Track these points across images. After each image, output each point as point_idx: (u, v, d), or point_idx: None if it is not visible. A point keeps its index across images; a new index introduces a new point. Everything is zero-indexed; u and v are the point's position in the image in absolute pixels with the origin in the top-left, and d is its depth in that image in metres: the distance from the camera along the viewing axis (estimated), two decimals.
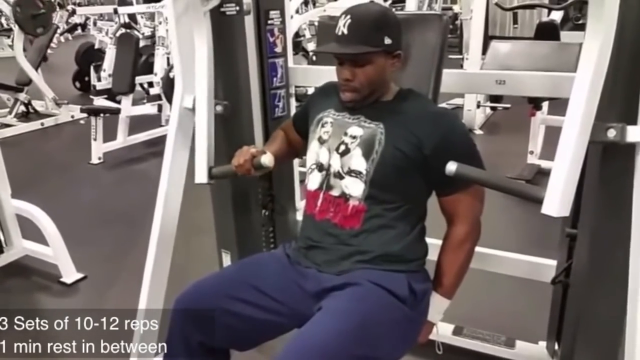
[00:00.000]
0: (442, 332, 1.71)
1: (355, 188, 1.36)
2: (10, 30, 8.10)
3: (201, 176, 1.70)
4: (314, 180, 1.44)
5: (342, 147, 1.40)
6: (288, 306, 1.38)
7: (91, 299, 2.56)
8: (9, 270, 2.76)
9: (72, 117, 5.94)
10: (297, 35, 6.11)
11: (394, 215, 1.37)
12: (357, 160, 1.37)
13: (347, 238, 1.37)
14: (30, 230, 2.79)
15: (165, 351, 1.41)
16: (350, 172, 1.37)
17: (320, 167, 1.43)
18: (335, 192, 1.39)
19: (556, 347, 1.81)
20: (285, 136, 1.68)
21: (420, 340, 1.42)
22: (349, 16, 1.34)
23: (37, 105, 6.19)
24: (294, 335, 1.22)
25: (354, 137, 1.39)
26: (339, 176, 1.39)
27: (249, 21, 1.85)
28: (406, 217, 1.39)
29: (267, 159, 1.47)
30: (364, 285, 1.30)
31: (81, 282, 2.70)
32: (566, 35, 4.10)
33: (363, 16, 1.34)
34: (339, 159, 1.39)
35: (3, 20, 10.27)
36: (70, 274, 2.71)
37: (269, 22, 1.92)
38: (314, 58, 5.98)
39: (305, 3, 7.23)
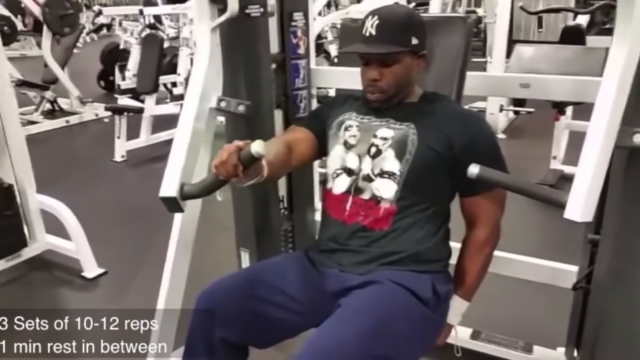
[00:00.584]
0: (460, 335, 1.69)
1: (387, 190, 1.36)
2: (38, 30, 8.25)
3: (167, 190, 1.42)
4: (341, 184, 1.43)
5: (373, 150, 1.39)
6: (307, 306, 1.38)
7: (111, 294, 2.60)
8: (32, 263, 2.81)
9: (97, 115, 6.04)
10: (319, 37, 6.13)
11: (421, 216, 1.37)
12: (390, 162, 1.37)
13: (374, 240, 1.37)
14: (54, 225, 2.84)
15: (186, 345, 1.43)
16: (383, 174, 1.37)
17: (349, 171, 1.42)
18: (365, 196, 1.39)
19: (575, 353, 1.78)
20: (286, 140, 1.49)
21: (438, 343, 1.42)
22: (376, 17, 1.35)
23: (63, 103, 6.30)
24: (313, 334, 1.22)
25: (385, 139, 1.39)
26: (369, 179, 1.38)
27: (273, 23, 1.86)
28: (433, 219, 1.39)
29: (257, 146, 1.15)
30: (386, 284, 1.30)
31: (102, 277, 2.74)
32: (592, 40, 4.06)
33: (390, 17, 1.35)
34: (370, 162, 1.39)
35: (32, 20, 10.47)
36: (91, 269, 2.75)
37: (292, 23, 1.93)
38: (336, 60, 6.01)
39: (328, 5, 7.24)
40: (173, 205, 1.43)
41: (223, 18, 1.62)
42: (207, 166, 1.58)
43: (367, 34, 1.35)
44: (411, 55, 1.37)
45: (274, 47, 1.89)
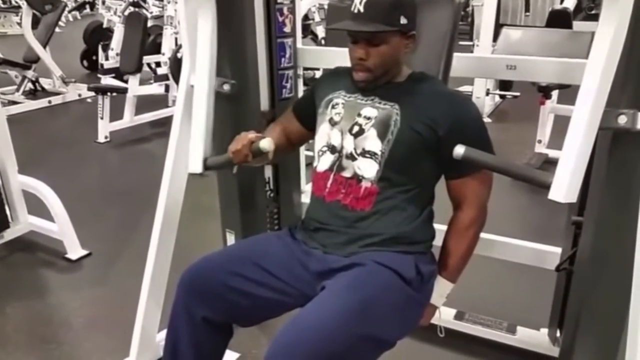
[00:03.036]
0: (444, 316, 1.71)
1: (368, 169, 1.36)
2: (19, 7, 8.08)
3: (195, 166, 1.65)
4: (325, 162, 1.43)
5: (356, 128, 1.39)
6: (291, 285, 1.38)
7: (95, 275, 2.58)
8: (14, 245, 2.78)
9: (80, 95, 5.95)
10: (306, 17, 6.07)
11: (404, 197, 1.37)
12: (372, 142, 1.36)
13: (357, 220, 1.36)
14: (36, 206, 2.80)
15: (170, 325, 1.42)
16: (365, 153, 1.36)
17: (332, 148, 1.42)
18: (347, 174, 1.38)
19: (558, 334, 1.81)
20: (283, 129, 1.63)
21: (422, 323, 1.42)
22: None
23: (45, 83, 6.20)
24: (296, 314, 1.22)
25: (368, 118, 1.38)
26: (352, 157, 1.38)
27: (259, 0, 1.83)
28: (416, 200, 1.39)
29: (266, 143, 1.41)
30: (370, 266, 1.29)
31: (86, 258, 2.72)
32: (578, 25, 4.06)
33: None
34: (352, 140, 1.38)
35: None
36: (75, 250, 2.73)
37: (279, 0, 1.90)
38: (323, 42, 5.96)
39: None
40: (198, 174, 1.68)
41: None
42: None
43: (356, 11, 1.33)
44: (400, 35, 1.35)
45: (260, 25, 1.86)
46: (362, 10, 1.32)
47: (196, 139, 1.67)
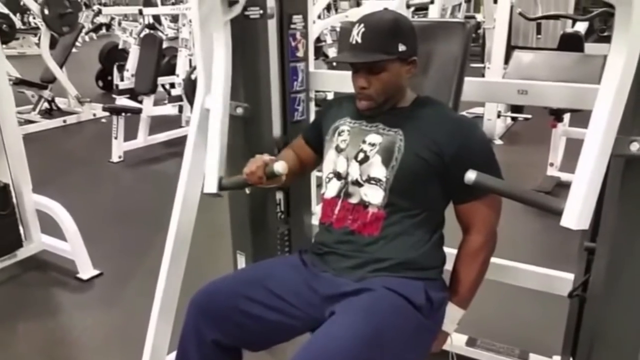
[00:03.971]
0: (456, 342, 1.69)
1: (374, 196, 1.36)
2: (38, 28, 8.24)
3: (211, 186, 1.66)
4: (332, 189, 1.44)
5: (361, 155, 1.39)
6: (301, 309, 1.38)
7: (106, 296, 2.59)
8: (27, 264, 2.80)
9: (94, 115, 6.03)
10: (318, 40, 6.13)
11: (412, 222, 1.37)
12: (377, 168, 1.36)
13: (365, 245, 1.36)
14: (50, 226, 2.83)
15: (179, 347, 1.42)
16: (370, 180, 1.37)
17: (338, 175, 1.43)
18: (353, 200, 1.39)
19: None
20: (295, 154, 1.65)
21: (434, 350, 1.41)
22: (362, 25, 1.34)
23: (61, 102, 6.30)
24: (307, 340, 1.22)
25: (373, 145, 1.39)
26: (358, 184, 1.38)
27: (272, 25, 1.86)
28: (425, 225, 1.39)
29: (280, 166, 1.43)
30: (380, 292, 1.29)
31: (97, 278, 2.73)
32: (590, 47, 4.06)
33: (377, 24, 1.34)
34: (357, 167, 1.39)
35: (31, 19, 10.46)
36: (86, 270, 2.74)
37: (292, 26, 1.93)
38: (334, 64, 6.00)
39: (328, 9, 7.27)
40: (213, 195, 1.68)
41: (237, 11, 1.67)
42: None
43: (354, 42, 1.35)
44: (399, 62, 1.36)
45: (273, 49, 1.89)
46: (359, 41, 1.33)
47: (212, 160, 1.68)
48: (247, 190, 1.69)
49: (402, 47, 1.34)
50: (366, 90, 1.38)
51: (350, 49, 1.36)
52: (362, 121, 1.45)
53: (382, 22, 1.34)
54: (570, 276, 1.78)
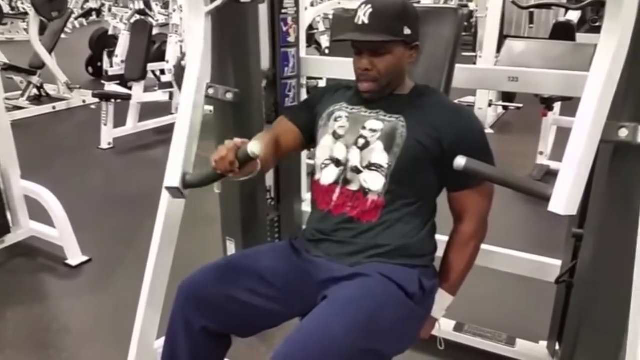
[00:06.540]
0: (444, 328, 1.70)
1: (375, 182, 1.36)
2: (26, 14, 8.14)
3: (172, 180, 1.49)
4: (329, 175, 1.42)
5: (362, 141, 1.39)
6: (290, 295, 1.38)
7: (95, 282, 2.58)
8: (15, 250, 2.78)
9: (84, 101, 5.98)
10: (310, 27, 6.09)
11: (409, 210, 1.37)
12: (378, 154, 1.36)
13: (363, 231, 1.36)
14: (38, 212, 2.81)
15: (168, 334, 1.41)
16: (371, 166, 1.36)
17: (336, 162, 1.41)
18: (353, 187, 1.38)
19: (557, 347, 1.80)
20: (275, 138, 1.51)
21: (422, 336, 1.42)
22: (369, 6, 1.34)
23: (50, 89, 6.22)
24: (298, 324, 1.22)
25: (374, 131, 1.38)
26: (357, 171, 1.38)
27: (263, 9, 1.84)
28: (420, 213, 1.39)
29: (255, 147, 1.20)
30: (374, 277, 1.29)
31: (86, 264, 2.72)
32: (582, 37, 4.06)
33: (384, 6, 1.34)
34: (358, 154, 1.38)
35: (19, 4, 10.33)
36: (75, 256, 2.73)
37: (283, 10, 1.92)
38: (327, 52, 5.98)
39: None
40: (176, 193, 1.52)
41: (218, 2, 1.60)
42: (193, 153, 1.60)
43: (360, 23, 1.34)
44: (403, 45, 1.36)
45: (264, 34, 1.87)
46: (366, 21, 1.33)
47: (176, 152, 1.54)
48: (217, 189, 1.56)
49: (407, 31, 1.35)
50: (369, 72, 1.37)
51: (356, 29, 1.35)
52: (361, 107, 1.44)
53: (389, 4, 1.35)
54: (558, 262, 1.80)
